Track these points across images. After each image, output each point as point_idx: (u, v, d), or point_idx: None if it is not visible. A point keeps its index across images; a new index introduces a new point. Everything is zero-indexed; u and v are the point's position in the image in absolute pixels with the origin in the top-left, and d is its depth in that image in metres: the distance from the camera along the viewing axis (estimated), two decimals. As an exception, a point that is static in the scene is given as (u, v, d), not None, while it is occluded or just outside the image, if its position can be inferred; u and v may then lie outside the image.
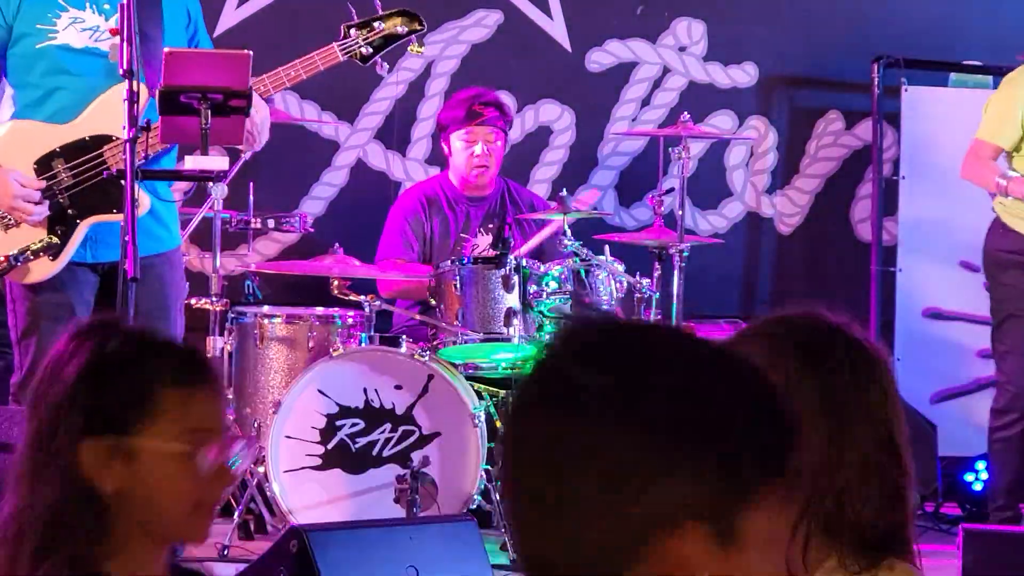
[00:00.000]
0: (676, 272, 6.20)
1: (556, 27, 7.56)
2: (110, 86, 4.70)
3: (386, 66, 5.03)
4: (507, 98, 7.05)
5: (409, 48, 5.04)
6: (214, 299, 6.27)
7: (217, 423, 2.24)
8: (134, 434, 2.15)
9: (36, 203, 4.81)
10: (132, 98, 4.19)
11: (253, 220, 6.39)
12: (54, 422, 2.16)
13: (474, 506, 5.76)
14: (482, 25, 7.52)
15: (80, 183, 4.84)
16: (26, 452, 2.19)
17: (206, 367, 2.26)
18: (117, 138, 4.27)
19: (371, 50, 4.97)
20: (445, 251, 6.70)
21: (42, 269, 4.86)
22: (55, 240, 4.85)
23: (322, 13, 7.24)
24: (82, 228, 4.85)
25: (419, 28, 5.02)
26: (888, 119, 7.60)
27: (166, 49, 4.58)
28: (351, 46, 4.96)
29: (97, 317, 2.36)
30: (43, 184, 4.83)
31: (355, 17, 4.98)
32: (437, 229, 6.75)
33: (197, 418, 2.19)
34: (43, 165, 4.85)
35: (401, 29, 4.97)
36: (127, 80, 4.22)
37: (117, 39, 4.39)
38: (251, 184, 6.44)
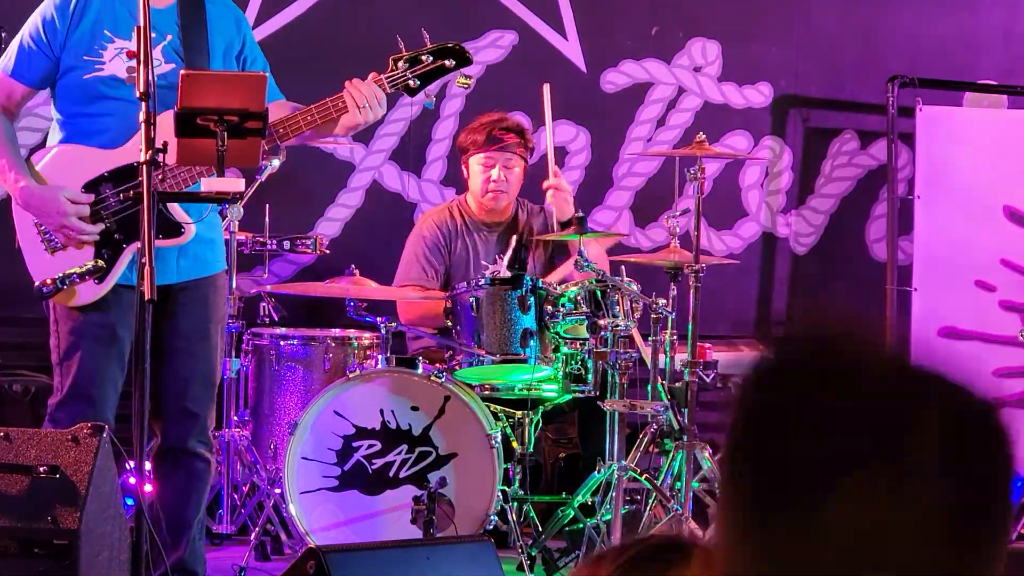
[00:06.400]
0: (692, 292, 6.19)
1: (571, 48, 7.57)
2: (159, 112, 4.70)
3: (433, 98, 5.04)
4: (527, 122, 7.03)
5: (456, 82, 5.06)
6: (231, 321, 6.29)
7: None
8: None
9: (85, 220, 4.84)
10: (149, 120, 4.19)
11: (269, 241, 6.43)
12: None
13: (491, 527, 5.76)
14: (497, 46, 7.53)
15: (126, 207, 4.84)
16: None
17: None
18: (164, 164, 4.28)
19: (418, 83, 4.97)
20: (466, 277, 6.69)
21: (88, 292, 4.87)
22: (101, 264, 4.85)
23: (334, 38, 7.27)
24: (127, 252, 4.85)
25: (468, 63, 5.03)
26: (903, 139, 7.59)
27: (181, 71, 4.58)
28: (399, 79, 4.95)
29: None
30: (91, 197, 4.84)
31: (403, 49, 4.97)
32: (457, 254, 6.73)
33: None
34: (91, 189, 4.86)
35: (449, 63, 4.98)
36: (143, 103, 4.22)
37: (133, 62, 4.38)
38: (267, 206, 6.46)
